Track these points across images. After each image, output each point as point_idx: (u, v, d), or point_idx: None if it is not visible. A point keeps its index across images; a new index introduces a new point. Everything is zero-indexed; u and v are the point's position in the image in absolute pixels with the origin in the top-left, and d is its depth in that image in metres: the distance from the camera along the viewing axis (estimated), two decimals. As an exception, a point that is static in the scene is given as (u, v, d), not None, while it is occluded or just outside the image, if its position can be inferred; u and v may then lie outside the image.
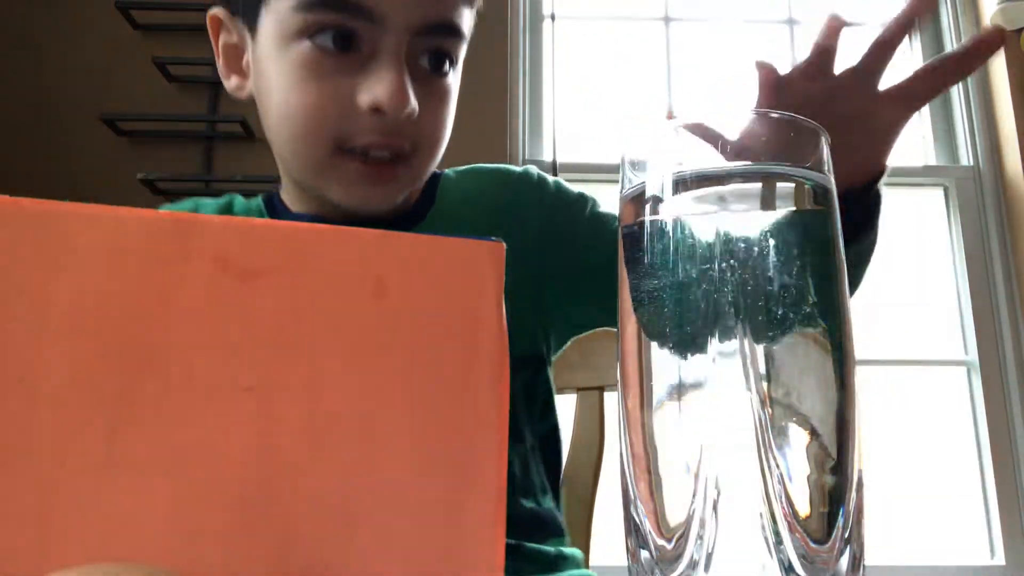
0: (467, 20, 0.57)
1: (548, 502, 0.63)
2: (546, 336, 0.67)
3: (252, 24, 0.56)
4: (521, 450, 0.62)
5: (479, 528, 0.22)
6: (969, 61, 0.46)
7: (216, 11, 0.61)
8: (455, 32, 0.56)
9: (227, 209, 0.67)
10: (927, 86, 0.47)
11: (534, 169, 0.72)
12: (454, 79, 0.58)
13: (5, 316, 0.20)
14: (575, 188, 0.72)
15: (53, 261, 0.21)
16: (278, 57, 0.54)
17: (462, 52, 0.58)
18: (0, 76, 1.89)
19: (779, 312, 0.24)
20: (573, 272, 0.66)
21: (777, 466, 0.23)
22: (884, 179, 0.50)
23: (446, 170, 0.71)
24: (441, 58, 0.56)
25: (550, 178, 0.71)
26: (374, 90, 0.52)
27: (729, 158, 0.26)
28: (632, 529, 0.25)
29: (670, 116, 0.53)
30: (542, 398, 0.66)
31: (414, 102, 0.53)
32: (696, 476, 0.23)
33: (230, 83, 0.61)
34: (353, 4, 0.51)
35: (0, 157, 1.84)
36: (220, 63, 0.61)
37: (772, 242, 0.24)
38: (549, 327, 0.67)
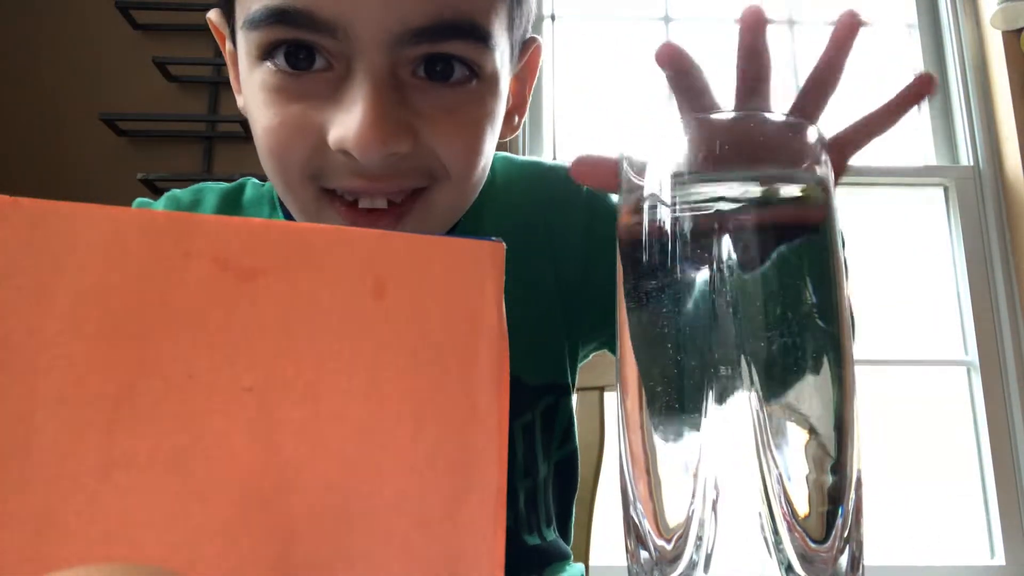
0: (494, 16, 0.43)
1: (552, 532, 0.60)
2: (573, 361, 0.62)
3: (234, 37, 0.47)
4: (529, 484, 0.58)
5: (479, 528, 0.22)
6: (903, 107, 0.42)
7: (212, 15, 0.52)
8: (465, 32, 0.42)
9: (238, 192, 0.61)
10: (862, 135, 0.42)
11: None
12: (484, 88, 0.45)
13: (5, 316, 0.20)
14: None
15: (53, 261, 0.21)
16: (248, 80, 0.44)
17: (490, 57, 0.44)
18: (0, 76, 1.89)
19: (777, 311, 0.24)
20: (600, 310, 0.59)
21: (776, 466, 0.23)
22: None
23: None
24: (448, 65, 0.42)
25: (599, 195, 0.61)
26: (340, 125, 0.41)
27: (725, 158, 0.26)
28: (631, 529, 0.25)
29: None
30: (563, 426, 0.61)
31: (394, 141, 0.41)
32: (695, 476, 0.23)
33: (239, 100, 0.51)
34: (304, 15, 0.39)
35: (0, 157, 1.84)
36: (231, 74, 0.51)
37: (770, 241, 0.24)
38: (576, 352, 0.62)
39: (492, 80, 0.45)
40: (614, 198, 0.62)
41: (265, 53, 0.42)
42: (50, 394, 0.20)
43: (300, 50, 0.41)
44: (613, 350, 0.64)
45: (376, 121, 0.39)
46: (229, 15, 0.46)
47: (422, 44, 0.41)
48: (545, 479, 0.60)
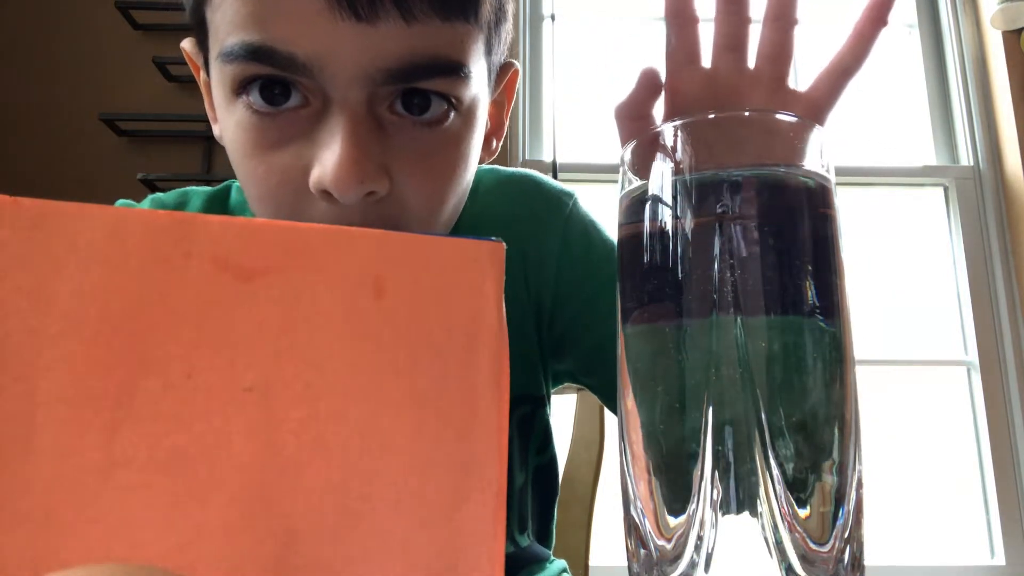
0: (471, 46, 0.42)
1: (527, 539, 0.61)
2: (546, 375, 0.62)
3: (207, 66, 0.45)
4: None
5: (479, 528, 0.22)
6: (870, 31, 0.42)
7: (186, 44, 0.50)
8: (440, 69, 0.41)
9: (223, 196, 0.62)
10: (837, 77, 0.42)
11: (570, 197, 0.63)
12: (461, 122, 0.44)
13: (5, 316, 0.20)
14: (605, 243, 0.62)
15: (53, 261, 0.21)
16: (226, 115, 0.43)
17: (467, 86, 0.42)
18: (0, 76, 1.89)
19: (779, 311, 0.24)
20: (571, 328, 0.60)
21: (777, 466, 0.23)
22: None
23: None
24: (426, 98, 0.41)
25: (586, 218, 0.62)
26: (319, 164, 0.39)
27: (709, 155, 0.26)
28: (632, 529, 0.25)
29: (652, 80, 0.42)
30: (539, 435, 0.61)
31: (372, 180, 0.39)
32: (696, 476, 0.23)
33: (215, 129, 0.48)
34: (281, 55, 0.38)
35: (0, 157, 1.84)
36: (206, 102, 0.50)
37: (771, 241, 0.24)
38: (548, 369, 0.63)
39: (471, 109, 0.44)
40: (598, 221, 0.63)
41: (240, 87, 0.41)
42: (50, 394, 0.20)
43: (275, 84, 0.40)
44: (577, 383, 0.64)
45: (356, 159, 0.38)
46: (202, 44, 0.45)
47: (398, 83, 0.40)
48: (521, 488, 0.60)
